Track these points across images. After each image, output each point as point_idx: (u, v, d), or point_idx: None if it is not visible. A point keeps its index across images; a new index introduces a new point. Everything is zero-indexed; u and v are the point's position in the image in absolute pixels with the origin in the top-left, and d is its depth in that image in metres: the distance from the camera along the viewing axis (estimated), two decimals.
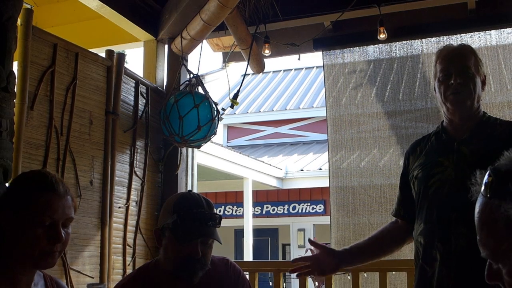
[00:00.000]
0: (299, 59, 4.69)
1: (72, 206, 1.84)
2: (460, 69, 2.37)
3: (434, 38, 4.53)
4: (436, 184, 2.35)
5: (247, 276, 3.64)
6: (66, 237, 1.79)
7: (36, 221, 1.73)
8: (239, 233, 14.92)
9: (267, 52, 4.44)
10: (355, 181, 4.67)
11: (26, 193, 1.78)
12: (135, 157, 3.96)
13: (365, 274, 4.07)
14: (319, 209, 15.06)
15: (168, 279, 2.20)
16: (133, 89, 4.01)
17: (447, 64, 2.41)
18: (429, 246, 2.32)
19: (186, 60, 4.37)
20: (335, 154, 4.76)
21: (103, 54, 3.80)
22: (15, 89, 2.61)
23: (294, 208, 15.53)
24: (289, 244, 16.13)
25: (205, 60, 4.55)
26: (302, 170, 14.11)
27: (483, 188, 1.06)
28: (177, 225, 2.13)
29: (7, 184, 2.47)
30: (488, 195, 1.04)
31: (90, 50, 3.69)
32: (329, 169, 4.78)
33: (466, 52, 2.44)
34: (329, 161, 4.80)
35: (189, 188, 4.32)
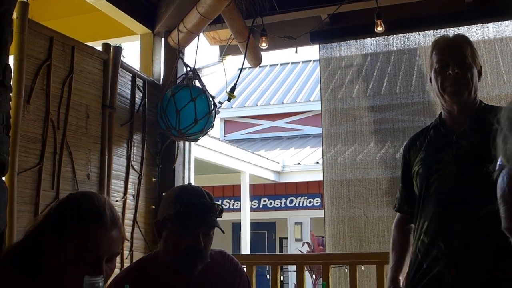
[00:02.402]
0: (296, 52, 4.68)
1: (120, 239, 1.70)
2: (458, 59, 2.35)
3: (431, 31, 4.52)
4: (437, 180, 2.34)
5: (245, 269, 3.64)
6: (108, 273, 1.65)
7: (79, 257, 1.60)
8: (236, 227, 14.91)
9: (264, 45, 4.42)
10: (350, 174, 4.66)
11: (71, 221, 1.63)
12: (132, 150, 3.95)
13: (362, 267, 4.07)
14: (316, 203, 15.08)
15: (166, 272, 2.21)
16: (130, 83, 4.01)
17: (444, 55, 2.39)
18: (431, 244, 2.30)
19: (183, 54, 4.36)
20: (331, 148, 4.75)
21: (99, 48, 3.79)
22: (11, 83, 2.60)
23: (291, 201, 15.55)
24: (286, 238, 16.16)
25: (202, 53, 4.54)
26: (299, 163, 14.11)
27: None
28: (181, 215, 2.14)
29: (4, 178, 2.47)
30: None
31: (86, 43, 3.68)
32: (323, 163, 4.77)
33: (462, 42, 2.43)
34: (323, 155, 4.79)
35: (186, 181, 4.32)
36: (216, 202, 2.24)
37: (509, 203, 1.03)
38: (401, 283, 2.46)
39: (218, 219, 2.24)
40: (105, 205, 1.68)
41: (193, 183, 4.37)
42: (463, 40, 2.46)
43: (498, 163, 1.05)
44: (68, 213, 1.68)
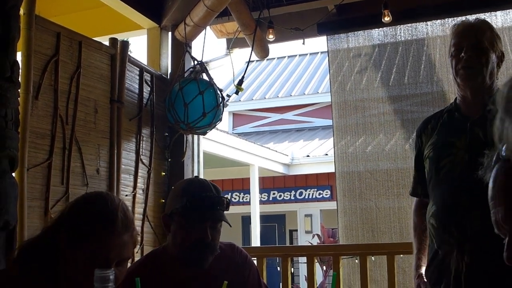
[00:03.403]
0: (303, 43, 4.66)
1: (132, 243, 1.69)
2: (473, 42, 2.32)
3: (439, 21, 4.49)
4: (447, 166, 2.31)
5: (255, 262, 3.65)
6: (118, 277, 1.62)
7: (89, 258, 1.60)
8: (246, 220, 14.92)
9: (271, 37, 4.41)
10: (361, 166, 4.65)
11: (83, 223, 1.64)
12: (141, 145, 3.96)
13: (373, 258, 4.07)
14: (326, 195, 15.05)
15: (175, 265, 2.21)
16: (138, 77, 4.01)
17: (460, 39, 2.37)
18: (442, 230, 2.29)
19: (190, 47, 4.35)
20: (341, 139, 4.74)
21: (106, 43, 3.79)
22: (20, 79, 2.61)
23: (300, 194, 15.53)
24: (296, 230, 16.15)
25: (209, 46, 4.53)
26: (308, 156, 14.09)
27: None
28: (187, 209, 2.14)
29: (13, 174, 2.48)
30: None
31: (93, 38, 3.69)
32: (334, 154, 4.77)
33: (481, 26, 2.39)
34: (334, 146, 4.79)
35: (195, 175, 4.32)
36: (223, 196, 2.23)
37: (495, 206, 1.02)
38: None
39: (228, 212, 2.24)
40: (118, 208, 1.67)
41: (202, 177, 4.39)
42: (482, 24, 2.43)
43: (494, 157, 1.04)
44: (81, 214, 1.68)
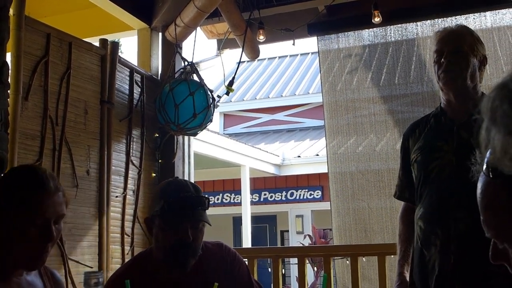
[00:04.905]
0: (293, 44, 4.67)
1: (64, 202, 1.79)
2: (453, 47, 2.37)
3: (429, 21, 4.51)
4: (436, 169, 2.34)
5: (246, 262, 3.64)
6: (57, 235, 1.75)
7: (28, 222, 1.69)
8: (237, 221, 14.90)
9: (261, 38, 4.42)
10: (353, 167, 4.67)
11: (16, 192, 1.72)
12: (131, 146, 3.95)
13: (364, 258, 4.08)
14: (317, 195, 15.07)
15: (163, 267, 2.19)
16: (128, 78, 4.00)
17: (441, 45, 2.42)
18: (429, 230, 2.31)
19: (181, 48, 4.35)
20: (332, 139, 4.75)
21: (97, 43, 3.78)
22: (9, 80, 2.60)
23: (292, 194, 15.53)
24: (288, 231, 16.15)
25: (200, 47, 4.52)
26: (299, 156, 14.10)
27: (484, 167, 1.04)
28: (165, 211, 2.12)
29: (2, 175, 2.47)
30: (490, 175, 1.02)
31: (83, 39, 3.68)
32: (327, 155, 4.78)
33: (461, 32, 2.44)
34: (326, 147, 4.80)
35: (186, 176, 4.32)
36: (203, 195, 2.21)
37: (482, 215, 1.04)
38: (407, 277, 2.46)
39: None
40: (46, 173, 1.78)
41: (193, 178, 4.39)
42: (463, 29, 2.47)
43: (484, 164, 1.05)
44: (12, 184, 1.77)
